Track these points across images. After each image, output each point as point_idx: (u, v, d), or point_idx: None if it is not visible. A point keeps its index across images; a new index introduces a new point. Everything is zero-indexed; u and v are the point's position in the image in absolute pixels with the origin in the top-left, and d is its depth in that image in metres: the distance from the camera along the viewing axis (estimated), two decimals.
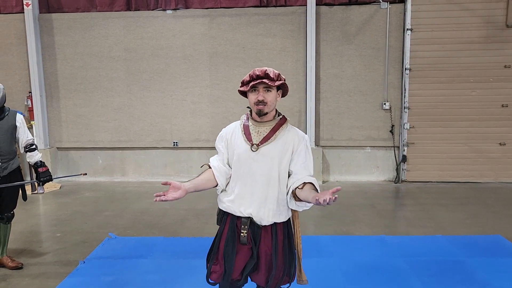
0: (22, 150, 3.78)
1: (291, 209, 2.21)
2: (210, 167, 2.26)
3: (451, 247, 4.29)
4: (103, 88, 7.59)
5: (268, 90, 2.08)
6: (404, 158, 7.28)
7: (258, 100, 2.07)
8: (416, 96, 7.15)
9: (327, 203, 1.75)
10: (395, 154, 7.37)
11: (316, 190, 2.07)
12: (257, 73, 2.06)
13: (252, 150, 2.13)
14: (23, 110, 7.63)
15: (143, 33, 7.42)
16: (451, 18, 6.93)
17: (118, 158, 7.80)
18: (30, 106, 7.60)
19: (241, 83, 2.14)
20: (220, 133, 2.33)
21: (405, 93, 7.14)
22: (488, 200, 6.14)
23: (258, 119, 2.16)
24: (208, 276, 2.26)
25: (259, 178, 2.12)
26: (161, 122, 7.62)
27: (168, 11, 7.35)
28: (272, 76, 2.07)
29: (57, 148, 7.81)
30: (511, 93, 7.01)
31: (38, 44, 7.45)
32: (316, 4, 7.01)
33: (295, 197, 2.11)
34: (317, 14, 7.08)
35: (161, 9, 7.37)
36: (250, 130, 2.17)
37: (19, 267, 3.87)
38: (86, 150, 7.80)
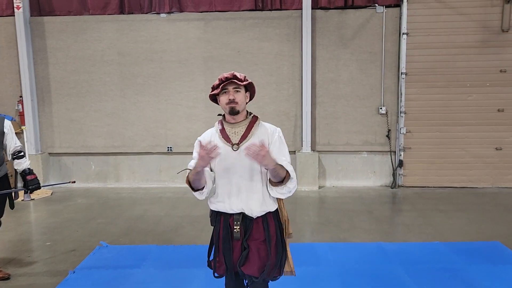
0: (9, 158, 3.66)
1: (276, 199, 2.37)
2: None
3: (450, 254, 4.22)
4: (96, 92, 7.47)
5: (237, 91, 2.27)
6: (401, 163, 7.23)
7: (229, 99, 2.25)
8: (413, 101, 7.11)
9: (251, 153, 2.02)
10: (391, 159, 7.31)
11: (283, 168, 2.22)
12: (226, 76, 2.25)
13: (234, 150, 2.28)
14: (14, 115, 7.49)
15: (136, 37, 7.32)
16: (447, 23, 6.91)
17: (111, 163, 7.67)
18: (21, 110, 7.46)
19: (212, 88, 2.33)
20: (196, 142, 2.42)
21: (401, 97, 7.10)
22: (486, 206, 6.09)
23: (232, 120, 2.33)
24: (214, 271, 2.40)
25: (243, 174, 2.27)
26: (156, 127, 7.51)
27: (162, 15, 7.27)
28: (239, 77, 2.28)
29: (49, 153, 7.67)
30: (507, 98, 6.99)
31: (29, 48, 7.33)
32: (312, 8, 6.96)
33: (272, 183, 2.27)
34: (313, 18, 7.03)
35: (155, 12, 7.28)
36: (227, 132, 2.34)
37: (6, 278, 3.75)
38: (79, 155, 7.67)
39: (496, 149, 7.10)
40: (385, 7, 7.02)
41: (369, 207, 6.04)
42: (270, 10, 7.17)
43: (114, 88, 7.45)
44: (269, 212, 2.34)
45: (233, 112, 2.28)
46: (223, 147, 2.28)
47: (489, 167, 7.14)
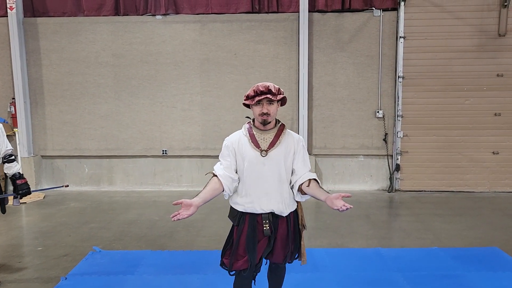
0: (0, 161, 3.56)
1: (296, 200, 2.63)
2: (214, 175, 2.51)
3: (449, 260, 4.17)
4: (90, 94, 7.37)
5: (270, 103, 2.43)
6: (398, 167, 7.20)
7: (262, 112, 2.43)
8: (410, 105, 7.09)
9: (341, 211, 2.24)
10: (388, 162, 7.28)
11: (320, 186, 2.53)
12: (261, 89, 2.40)
13: (262, 156, 2.47)
14: (6, 117, 7.37)
15: (132, 39, 7.24)
16: (444, 27, 6.91)
17: (105, 166, 7.57)
18: (14, 112, 7.34)
19: (246, 97, 2.47)
20: (224, 143, 2.58)
21: (398, 101, 7.08)
22: (483, 211, 6.06)
23: (262, 127, 2.52)
24: (230, 270, 2.57)
25: (270, 179, 2.48)
26: (150, 130, 7.42)
27: (158, 17, 7.19)
28: (274, 91, 2.42)
29: (42, 156, 7.55)
30: (504, 102, 6.99)
31: (23, 49, 7.22)
32: (309, 11, 6.93)
33: (301, 191, 2.51)
34: (310, 21, 6.99)
35: (150, 14, 7.21)
36: (256, 138, 2.50)
37: None
38: (72, 158, 7.56)
39: (493, 153, 7.09)
40: (382, 10, 7.00)
41: (366, 212, 5.99)
42: (267, 12, 7.12)
43: (108, 90, 7.36)
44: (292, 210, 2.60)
45: (265, 123, 2.47)
46: (252, 152, 2.49)
47: (486, 171, 7.12)
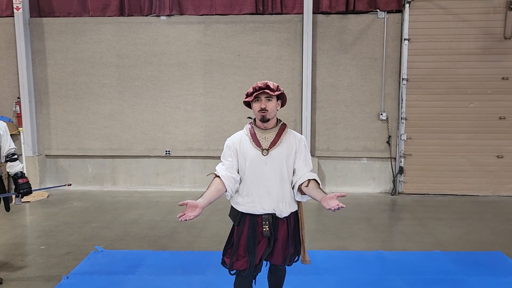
0: (2, 160, 3.59)
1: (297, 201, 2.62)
2: (216, 176, 2.52)
3: (451, 264, 4.14)
4: (94, 94, 7.41)
5: (269, 99, 2.45)
6: (401, 170, 7.17)
7: (261, 108, 2.44)
8: (413, 107, 7.05)
9: (334, 210, 2.25)
10: (391, 165, 7.25)
11: (319, 186, 2.50)
12: (259, 85, 2.42)
13: (263, 155, 2.48)
14: (11, 116, 7.43)
15: (136, 39, 7.28)
16: (449, 29, 6.87)
17: (108, 166, 7.60)
18: (19, 112, 7.40)
19: (246, 95, 2.50)
20: (226, 143, 2.58)
21: (402, 103, 7.05)
22: (486, 215, 6.01)
23: (262, 126, 2.52)
24: (230, 269, 2.57)
25: (272, 178, 2.48)
26: (154, 130, 7.45)
27: (162, 17, 7.22)
28: (272, 87, 2.44)
29: (46, 155, 7.60)
30: (508, 105, 6.94)
31: (28, 49, 7.28)
32: (313, 13, 6.93)
33: (301, 191, 2.50)
34: (314, 22, 6.99)
35: (155, 15, 7.24)
36: (258, 137, 2.51)
37: None
38: (76, 158, 7.60)
39: (497, 157, 7.04)
40: (387, 12, 6.98)
41: (368, 214, 5.97)
42: (270, 14, 7.13)
43: (112, 91, 7.40)
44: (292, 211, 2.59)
45: (264, 119, 2.47)
46: (253, 151, 2.49)
47: (490, 175, 7.07)
